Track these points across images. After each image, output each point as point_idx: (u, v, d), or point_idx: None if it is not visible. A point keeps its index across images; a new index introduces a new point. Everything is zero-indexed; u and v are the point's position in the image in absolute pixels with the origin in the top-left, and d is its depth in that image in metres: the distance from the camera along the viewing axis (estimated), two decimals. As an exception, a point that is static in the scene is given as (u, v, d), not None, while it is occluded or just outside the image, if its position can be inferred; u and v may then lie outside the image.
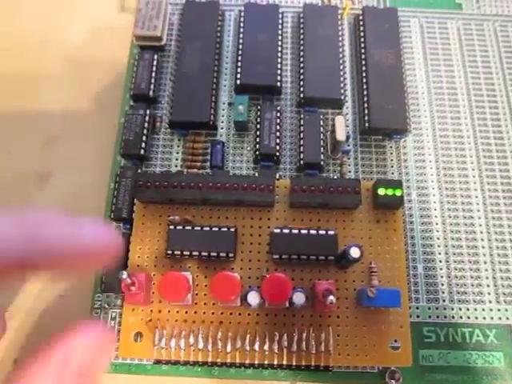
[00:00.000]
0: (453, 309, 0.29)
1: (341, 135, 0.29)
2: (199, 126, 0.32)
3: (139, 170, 0.30)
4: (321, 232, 0.26)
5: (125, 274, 0.23)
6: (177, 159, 0.32)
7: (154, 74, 0.32)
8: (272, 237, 0.26)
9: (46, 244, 0.16)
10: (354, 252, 0.24)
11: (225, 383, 0.28)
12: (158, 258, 0.27)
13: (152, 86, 0.32)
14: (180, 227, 0.26)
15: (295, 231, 0.26)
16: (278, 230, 0.26)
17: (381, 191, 0.27)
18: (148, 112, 0.31)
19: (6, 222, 0.16)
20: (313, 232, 0.26)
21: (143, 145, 0.31)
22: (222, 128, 0.32)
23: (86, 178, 0.32)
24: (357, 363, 0.26)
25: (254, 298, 0.24)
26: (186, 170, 0.30)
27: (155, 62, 0.33)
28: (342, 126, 0.30)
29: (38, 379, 0.15)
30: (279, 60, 0.33)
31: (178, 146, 0.32)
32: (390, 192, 0.27)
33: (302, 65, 0.33)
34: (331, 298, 0.23)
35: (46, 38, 0.37)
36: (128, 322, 0.26)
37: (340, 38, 0.33)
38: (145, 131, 0.31)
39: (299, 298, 0.24)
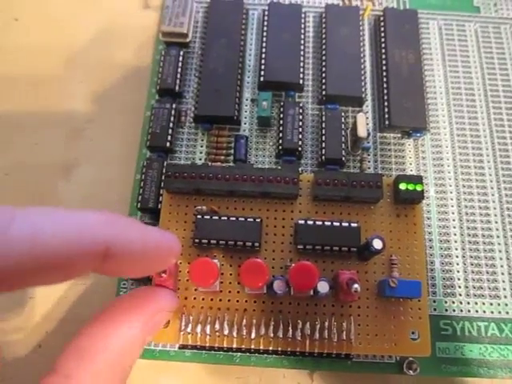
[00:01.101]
0: (469, 303, 0.29)
1: (362, 132, 0.30)
2: (223, 121, 0.33)
3: (165, 162, 0.31)
4: (344, 224, 0.26)
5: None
6: (201, 152, 0.32)
7: (179, 70, 0.33)
8: (297, 227, 0.26)
9: (130, 241, 0.18)
10: (377, 243, 0.25)
11: (244, 370, 0.29)
12: (185, 247, 0.28)
13: (178, 81, 0.33)
14: (207, 217, 0.27)
15: (319, 223, 0.26)
16: (303, 221, 0.26)
17: (402, 186, 0.28)
18: (174, 106, 0.32)
19: (93, 212, 0.17)
20: (336, 224, 0.26)
21: (169, 137, 0.31)
22: (245, 123, 0.33)
23: (112, 170, 0.33)
24: (377, 352, 0.27)
25: (279, 286, 0.25)
26: (210, 163, 0.31)
27: (181, 58, 0.33)
28: (363, 123, 0.30)
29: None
30: (301, 58, 0.33)
31: (202, 140, 0.33)
32: (410, 187, 0.28)
33: (323, 63, 0.33)
34: (356, 286, 0.23)
35: (72, 34, 0.38)
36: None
37: (361, 38, 0.34)
38: (171, 124, 0.32)
39: (323, 286, 0.25)
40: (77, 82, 0.37)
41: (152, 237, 0.19)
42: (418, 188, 0.28)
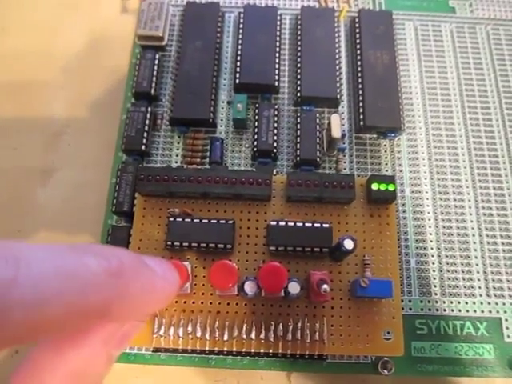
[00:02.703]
0: (444, 302, 0.29)
1: (336, 133, 0.30)
2: (199, 124, 0.33)
3: (140, 165, 0.31)
4: (316, 225, 0.26)
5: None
6: (177, 155, 0.33)
7: (155, 73, 0.33)
8: (268, 229, 0.26)
9: (131, 297, 0.17)
10: (348, 244, 0.25)
11: (221, 373, 0.29)
12: (158, 250, 0.28)
13: (153, 85, 0.33)
14: (179, 219, 0.27)
15: (291, 224, 0.26)
16: (275, 223, 0.26)
17: (374, 186, 0.28)
18: (149, 109, 0.32)
19: (96, 265, 0.15)
20: (308, 225, 0.26)
21: (144, 141, 0.31)
22: (221, 126, 0.33)
23: (89, 174, 0.33)
24: (350, 352, 0.27)
25: (250, 288, 0.25)
26: (186, 166, 0.31)
27: (157, 61, 0.34)
28: (338, 123, 0.31)
29: None
30: (277, 60, 0.34)
31: (178, 143, 0.33)
32: (383, 187, 0.28)
33: (299, 65, 0.34)
34: (325, 286, 0.23)
35: (51, 39, 0.38)
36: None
37: (336, 40, 0.34)
38: (146, 128, 0.32)
39: (294, 287, 0.25)
40: (56, 86, 0.37)
41: (156, 286, 0.19)
42: (391, 188, 0.28)
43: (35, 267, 0.14)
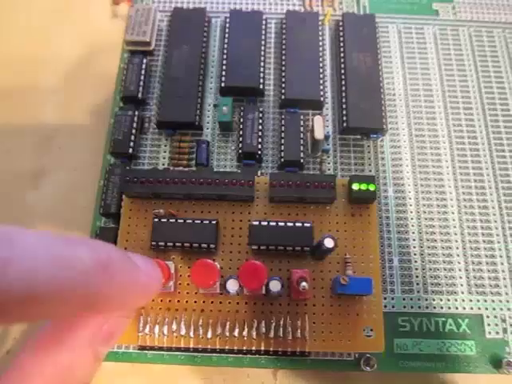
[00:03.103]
0: (427, 299, 0.30)
1: (319, 134, 0.31)
2: (185, 127, 0.33)
3: (127, 168, 0.31)
4: (297, 224, 0.27)
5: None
6: (164, 158, 0.33)
7: (142, 77, 0.34)
8: (250, 228, 0.27)
9: (117, 288, 0.18)
10: (328, 242, 0.26)
11: (207, 370, 0.29)
12: (144, 250, 0.28)
13: (141, 89, 0.34)
14: (164, 220, 0.27)
15: (273, 223, 0.27)
16: (257, 222, 0.27)
17: (355, 186, 0.28)
18: (137, 113, 0.33)
19: (87, 255, 0.16)
20: (290, 224, 0.27)
21: (131, 144, 0.32)
22: (207, 128, 0.34)
23: (79, 176, 0.34)
24: (331, 349, 0.27)
25: (232, 286, 0.25)
26: (172, 168, 0.32)
27: (144, 66, 0.34)
28: (321, 125, 0.31)
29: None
30: (262, 64, 0.34)
31: (166, 146, 0.34)
32: (363, 187, 0.28)
33: (283, 68, 0.34)
34: (304, 284, 0.24)
35: (42, 43, 0.39)
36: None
37: (320, 43, 0.35)
38: (133, 131, 0.32)
39: (275, 285, 0.25)
40: (47, 90, 0.37)
41: (142, 278, 0.20)
42: (371, 188, 0.28)
43: (29, 251, 0.14)
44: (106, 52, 0.38)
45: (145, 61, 0.34)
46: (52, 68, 0.38)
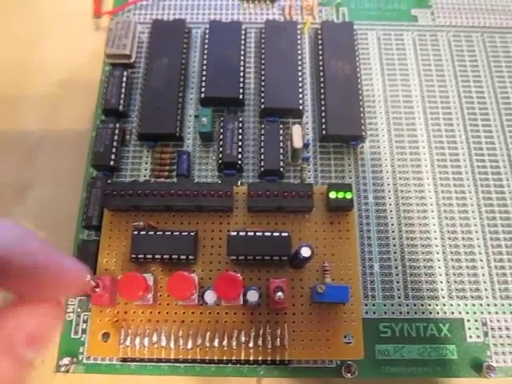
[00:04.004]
0: (407, 305, 0.30)
1: (297, 143, 0.31)
2: (166, 138, 0.34)
3: (109, 181, 0.32)
4: (275, 234, 0.27)
5: (88, 277, 0.25)
6: (146, 169, 0.33)
7: (123, 90, 0.34)
8: (229, 239, 0.27)
9: (34, 257, 0.18)
10: (305, 251, 0.26)
11: (192, 381, 0.29)
12: (125, 263, 0.28)
13: (122, 101, 0.34)
14: (143, 232, 0.28)
15: (251, 233, 0.27)
16: (235, 233, 0.27)
17: (332, 194, 0.29)
18: (118, 125, 0.33)
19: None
20: (267, 234, 0.27)
21: (113, 156, 0.32)
22: (188, 139, 0.34)
23: (62, 189, 0.34)
24: (311, 357, 0.27)
25: (210, 297, 0.25)
26: (154, 180, 0.32)
27: (125, 79, 0.35)
28: (299, 134, 0.31)
29: None
30: (242, 73, 0.35)
31: (147, 157, 0.34)
32: (340, 195, 0.29)
33: (263, 77, 0.34)
34: (279, 294, 0.24)
35: (25, 55, 0.39)
36: (96, 322, 0.27)
37: (299, 52, 0.35)
38: (115, 143, 0.33)
39: (253, 295, 0.25)
40: (30, 102, 0.38)
41: (61, 265, 0.19)
42: (348, 196, 0.29)
43: None
44: (89, 64, 0.38)
45: (125, 73, 0.35)
46: (34, 81, 0.38)
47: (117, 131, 0.33)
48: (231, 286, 0.24)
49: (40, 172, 0.35)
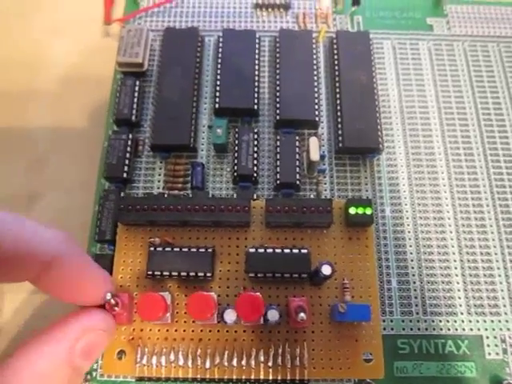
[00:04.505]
0: (426, 321, 0.30)
1: (314, 155, 0.31)
2: (180, 149, 0.33)
3: (122, 193, 0.31)
4: (294, 251, 0.27)
5: (109, 296, 0.24)
6: (159, 181, 0.33)
7: (135, 100, 0.34)
8: (247, 256, 0.27)
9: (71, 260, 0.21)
10: (326, 269, 0.25)
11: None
12: (140, 279, 0.28)
13: (134, 111, 0.33)
14: (160, 248, 0.27)
15: (270, 250, 0.27)
16: (253, 250, 0.27)
17: (352, 210, 0.28)
18: (130, 136, 0.33)
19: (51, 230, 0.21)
20: (287, 251, 0.27)
21: (126, 168, 0.32)
22: (202, 150, 0.34)
23: (72, 200, 0.34)
24: (331, 376, 0.27)
25: (230, 316, 0.25)
26: (168, 192, 0.32)
27: (137, 88, 0.34)
28: (316, 146, 0.31)
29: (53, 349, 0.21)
30: (256, 84, 0.34)
31: (160, 169, 0.33)
32: (360, 211, 0.28)
33: (277, 88, 0.34)
34: (302, 315, 0.24)
35: (34, 62, 0.39)
36: (112, 340, 0.27)
37: (315, 61, 0.35)
38: (127, 155, 0.32)
39: (273, 315, 0.25)
40: (40, 112, 0.37)
41: (92, 271, 0.22)
42: (368, 212, 0.28)
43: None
44: (99, 73, 0.38)
45: (138, 83, 0.34)
46: (44, 89, 0.38)
47: (129, 142, 0.32)
48: (253, 307, 0.24)
49: (49, 182, 0.35)
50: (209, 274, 0.27)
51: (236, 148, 0.32)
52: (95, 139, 0.35)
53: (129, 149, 0.32)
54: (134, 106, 0.33)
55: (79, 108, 0.37)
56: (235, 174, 0.32)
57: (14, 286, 0.31)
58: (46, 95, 0.38)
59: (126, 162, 0.32)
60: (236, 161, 0.32)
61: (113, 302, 0.24)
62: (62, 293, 0.21)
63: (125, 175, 0.32)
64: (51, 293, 0.22)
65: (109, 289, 0.22)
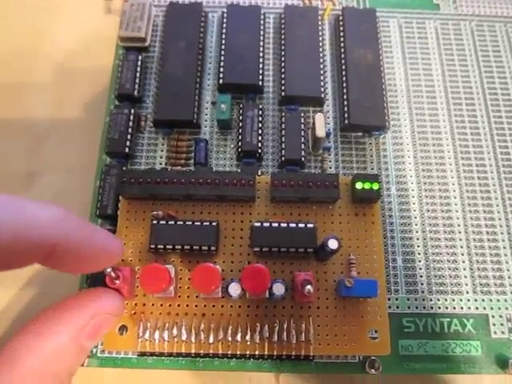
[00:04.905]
0: (431, 299, 0.29)
1: (320, 132, 0.30)
2: (183, 125, 0.32)
3: (124, 168, 0.30)
4: (300, 225, 0.26)
5: (109, 268, 0.24)
6: (161, 157, 0.32)
7: (138, 75, 0.33)
8: (252, 230, 0.26)
9: (73, 241, 0.19)
10: (332, 243, 0.25)
11: (209, 375, 0.29)
12: (142, 253, 0.27)
13: (137, 86, 0.33)
14: (163, 222, 0.27)
15: (275, 224, 0.26)
16: (259, 224, 0.26)
17: (358, 185, 0.28)
18: (132, 111, 0.32)
19: (47, 211, 0.18)
20: (292, 225, 0.26)
21: (128, 143, 0.31)
22: (205, 126, 0.33)
23: (73, 177, 0.33)
24: (336, 352, 0.26)
25: (234, 290, 0.24)
26: (170, 168, 0.31)
27: (139, 63, 0.33)
28: (322, 122, 0.30)
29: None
30: (261, 60, 0.33)
31: (163, 145, 0.33)
32: (367, 186, 0.28)
33: (283, 64, 0.33)
34: (309, 287, 0.23)
35: (34, 41, 0.38)
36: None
37: (320, 38, 0.34)
38: (129, 130, 0.31)
39: (279, 288, 0.24)
40: (39, 89, 0.36)
41: (99, 240, 0.20)
42: (375, 187, 0.28)
43: None
44: (100, 48, 0.37)
45: (140, 57, 0.33)
46: (44, 65, 0.37)
47: (131, 117, 0.32)
48: (258, 280, 0.23)
49: (49, 159, 0.34)
50: (213, 248, 0.26)
51: (240, 124, 0.32)
52: (96, 116, 0.34)
53: (131, 124, 0.32)
54: (137, 80, 0.33)
55: (80, 85, 0.36)
56: (239, 149, 0.31)
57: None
58: (45, 74, 0.37)
59: (128, 137, 0.31)
60: (240, 137, 0.31)
61: (113, 274, 0.24)
62: (72, 267, 0.20)
63: (127, 150, 0.31)
64: (61, 270, 0.20)
65: (120, 254, 0.21)
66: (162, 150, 0.32)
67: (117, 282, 0.24)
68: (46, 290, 0.31)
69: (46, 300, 0.30)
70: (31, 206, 0.17)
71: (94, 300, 0.23)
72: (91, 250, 0.20)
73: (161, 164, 0.32)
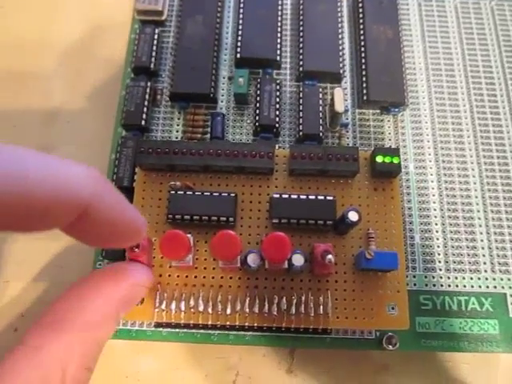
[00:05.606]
0: (449, 277, 0.29)
1: (339, 107, 0.30)
2: (199, 99, 0.32)
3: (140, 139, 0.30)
4: (319, 197, 0.26)
5: None
6: (177, 131, 0.32)
7: (154, 48, 0.33)
8: (272, 201, 0.26)
9: (108, 204, 0.17)
10: (353, 216, 0.25)
11: (224, 349, 0.28)
12: (159, 224, 0.27)
13: (153, 60, 0.32)
14: (181, 192, 0.26)
15: (294, 196, 0.26)
16: (278, 195, 0.26)
17: (379, 159, 0.27)
18: (149, 84, 0.32)
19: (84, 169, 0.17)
20: (312, 197, 0.26)
21: (144, 116, 0.31)
22: (222, 101, 0.33)
23: (89, 151, 0.33)
24: (354, 326, 0.26)
25: (253, 260, 0.24)
26: (187, 141, 0.31)
27: (156, 36, 0.33)
28: (341, 97, 0.30)
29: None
30: (279, 34, 0.33)
31: (179, 119, 0.32)
32: (387, 160, 0.27)
33: (301, 39, 0.33)
34: (330, 256, 0.23)
35: (50, 15, 0.38)
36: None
37: (339, 14, 0.34)
38: (146, 103, 0.31)
39: (298, 259, 0.24)
40: (55, 63, 0.36)
41: (129, 210, 0.19)
42: (395, 161, 0.27)
43: (21, 150, 0.15)
44: (115, 22, 0.37)
45: (157, 31, 0.33)
46: (60, 40, 0.37)
47: (148, 90, 0.31)
48: (280, 248, 0.23)
49: (64, 134, 0.34)
50: (231, 219, 0.26)
51: (258, 98, 0.31)
52: (111, 90, 0.34)
53: (147, 97, 0.31)
54: (153, 53, 0.32)
55: (95, 59, 0.36)
56: (256, 124, 0.31)
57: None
58: (60, 46, 0.37)
59: (145, 109, 0.31)
60: (258, 111, 0.31)
61: (132, 243, 0.24)
62: (99, 239, 0.19)
63: (143, 123, 0.31)
64: (85, 240, 0.19)
65: (144, 233, 0.20)
66: (177, 125, 0.32)
67: (136, 250, 0.24)
68: (61, 264, 0.31)
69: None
70: (68, 164, 0.16)
71: (132, 272, 0.23)
72: (121, 219, 0.18)
73: (177, 138, 0.32)
